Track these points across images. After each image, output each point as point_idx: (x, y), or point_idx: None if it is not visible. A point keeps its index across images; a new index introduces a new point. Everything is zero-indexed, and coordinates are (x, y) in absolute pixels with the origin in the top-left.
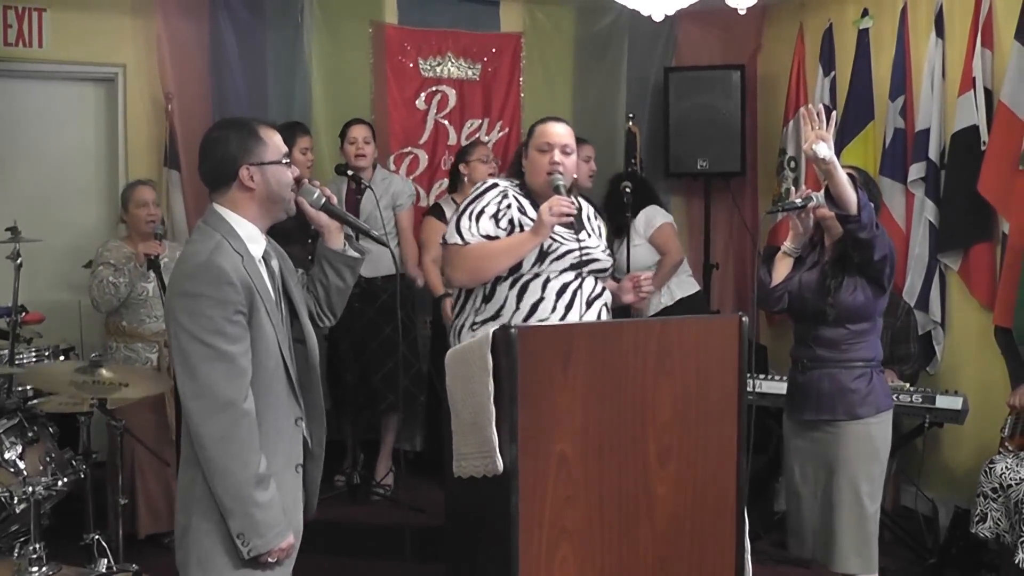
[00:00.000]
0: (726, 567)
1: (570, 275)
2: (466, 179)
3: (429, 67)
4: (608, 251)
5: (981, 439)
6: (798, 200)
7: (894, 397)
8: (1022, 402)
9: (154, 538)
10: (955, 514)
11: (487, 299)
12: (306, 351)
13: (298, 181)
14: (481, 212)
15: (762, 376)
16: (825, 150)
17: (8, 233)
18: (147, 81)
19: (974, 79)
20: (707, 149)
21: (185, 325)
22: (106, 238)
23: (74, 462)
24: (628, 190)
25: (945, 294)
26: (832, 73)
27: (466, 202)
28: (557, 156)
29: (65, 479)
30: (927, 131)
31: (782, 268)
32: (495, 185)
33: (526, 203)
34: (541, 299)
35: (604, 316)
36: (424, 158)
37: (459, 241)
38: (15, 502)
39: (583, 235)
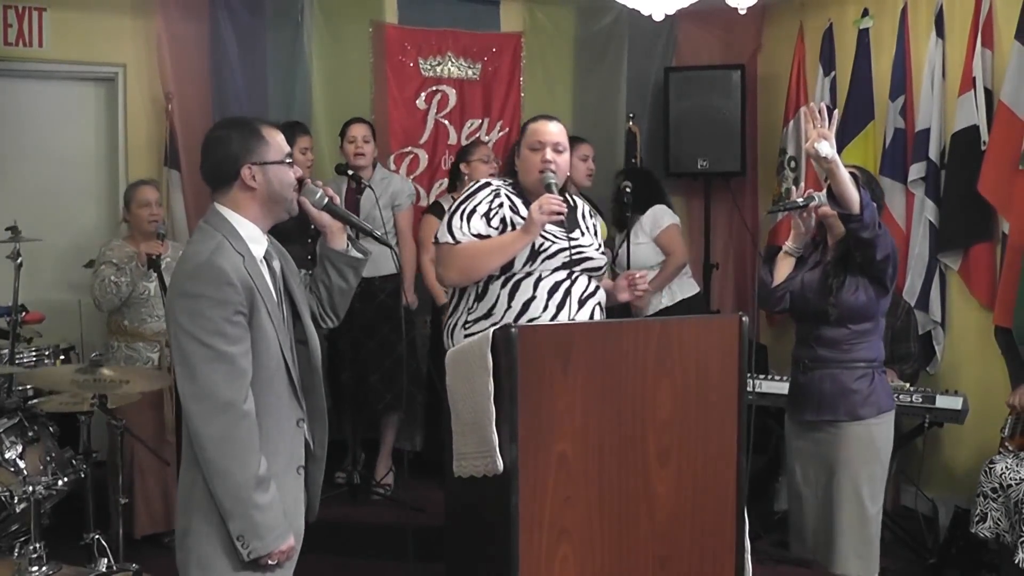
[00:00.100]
0: (726, 567)
1: (562, 274)
2: (467, 179)
3: (429, 67)
4: (603, 249)
5: (981, 439)
6: (800, 199)
7: (894, 397)
8: (1022, 402)
9: (154, 538)
10: (955, 514)
11: (479, 298)
12: (308, 352)
13: (300, 181)
14: (472, 211)
15: (762, 376)
16: (827, 148)
17: (8, 233)
18: (147, 81)
19: (974, 79)
20: (707, 149)
21: (185, 326)
22: (106, 238)
23: (74, 462)
24: (628, 189)
25: (945, 294)
26: (832, 73)
27: (458, 201)
28: (549, 154)
29: (65, 479)
30: (927, 131)
31: (783, 268)
32: (487, 184)
33: (518, 202)
34: (532, 298)
35: (597, 315)
36: (424, 158)
37: (450, 240)
38: (15, 501)
39: (576, 233)
